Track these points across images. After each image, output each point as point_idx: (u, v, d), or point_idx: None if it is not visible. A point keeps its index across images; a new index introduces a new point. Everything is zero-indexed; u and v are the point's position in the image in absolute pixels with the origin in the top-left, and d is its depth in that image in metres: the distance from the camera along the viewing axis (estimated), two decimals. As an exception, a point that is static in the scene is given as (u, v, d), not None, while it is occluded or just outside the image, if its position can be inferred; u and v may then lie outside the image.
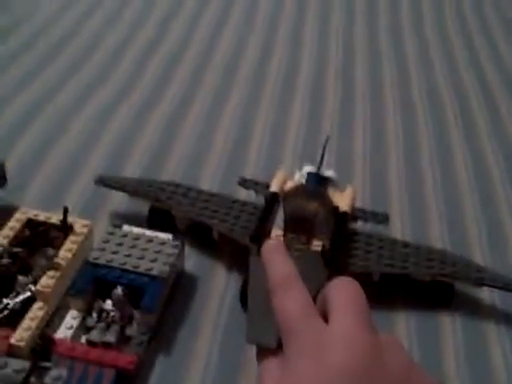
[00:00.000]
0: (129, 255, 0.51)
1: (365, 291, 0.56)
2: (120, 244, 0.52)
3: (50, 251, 0.53)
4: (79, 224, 0.56)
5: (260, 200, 0.62)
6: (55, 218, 0.56)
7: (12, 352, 0.44)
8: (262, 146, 0.77)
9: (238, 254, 0.58)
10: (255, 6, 1.16)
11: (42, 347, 0.38)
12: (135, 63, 0.93)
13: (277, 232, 0.55)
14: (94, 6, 1.09)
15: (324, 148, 0.63)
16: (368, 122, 0.84)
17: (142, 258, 0.51)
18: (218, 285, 0.56)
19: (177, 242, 0.54)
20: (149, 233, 0.54)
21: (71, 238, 0.54)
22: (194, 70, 0.93)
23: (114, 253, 0.51)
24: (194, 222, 0.59)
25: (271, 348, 0.46)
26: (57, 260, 0.51)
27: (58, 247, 0.53)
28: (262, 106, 0.86)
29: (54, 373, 0.37)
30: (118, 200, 0.64)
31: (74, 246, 0.53)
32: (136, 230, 0.55)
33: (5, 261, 0.51)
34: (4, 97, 0.81)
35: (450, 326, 0.55)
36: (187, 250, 0.58)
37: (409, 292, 0.58)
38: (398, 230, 0.65)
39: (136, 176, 0.68)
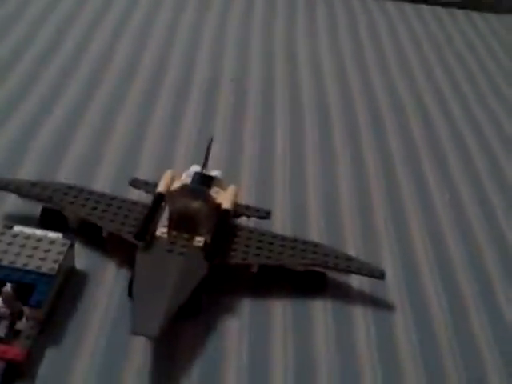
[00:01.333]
0: (19, 254, 0.54)
1: (244, 282, 0.62)
2: (10, 243, 0.55)
3: None
4: (-29, 226, 0.58)
5: (150, 199, 0.66)
6: None
7: None
8: (156, 147, 0.81)
9: (127, 252, 0.61)
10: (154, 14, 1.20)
11: None
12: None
13: (162, 230, 0.60)
14: None
15: (208, 148, 0.68)
16: (259, 124, 0.90)
17: (31, 256, 0.54)
18: (108, 280, 0.60)
19: (66, 241, 0.57)
20: (39, 232, 0.57)
21: (-37, 240, 0.56)
22: (92, 73, 0.95)
23: (4, 252, 0.54)
24: (84, 222, 0.63)
25: (154, 336, 0.50)
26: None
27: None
28: (157, 108, 0.89)
29: None
30: (12, 201, 0.67)
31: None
32: (27, 229, 0.58)
33: None
34: None
35: (321, 310, 0.61)
36: (78, 248, 0.62)
37: (285, 282, 0.63)
38: (280, 225, 0.71)
39: (31, 178, 0.70)
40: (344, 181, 0.81)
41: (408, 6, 1.43)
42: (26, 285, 0.52)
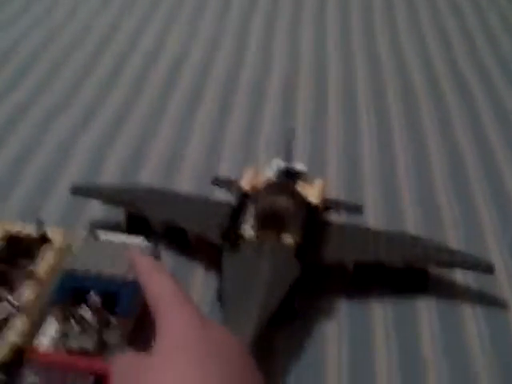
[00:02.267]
0: (103, 261, 0.52)
1: (339, 282, 0.58)
2: (95, 251, 0.53)
3: (29, 263, 0.54)
4: (56, 234, 0.56)
5: (235, 197, 0.63)
6: (32, 229, 0.57)
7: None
8: (236, 144, 0.78)
9: (215, 254, 0.58)
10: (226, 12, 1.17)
11: (17, 359, 0.39)
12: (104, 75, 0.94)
13: (248, 229, 0.56)
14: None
15: (289, 141, 0.64)
16: (341, 114, 0.85)
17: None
18: (196, 285, 0.57)
19: (151, 246, 0.54)
20: (123, 238, 0.55)
21: (48, 248, 0.55)
22: (168, 72, 0.93)
23: (89, 260, 0.52)
24: (169, 226, 0.60)
25: (247, 345, 0.47)
26: (36, 272, 0.52)
27: (36, 258, 0.54)
28: (234, 107, 0.86)
29: (28, 381, 0.38)
30: (96, 207, 0.65)
31: (52, 257, 0.54)
32: (111, 235, 0.56)
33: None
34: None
35: (425, 312, 0.56)
36: (165, 253, 0.59)
37: (384, 280, 0.59)
38: (373, 219, 0.66)
39: (114, 182, 0.69)
40: (438, 169, 0.75)
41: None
42: (111, 294, 0.50)
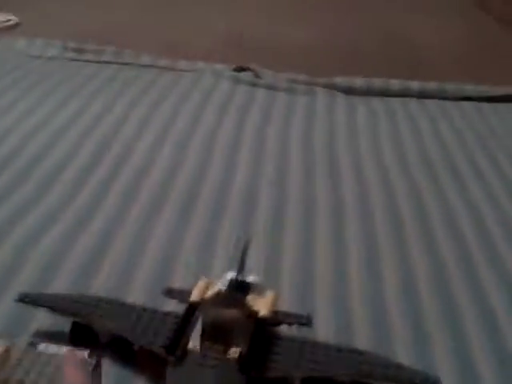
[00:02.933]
0: (41, 374, 0.51)
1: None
2: (33, 363, 0.52)
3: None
4: (-2, 345, 0.55)
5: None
6: (-28, 339, 0.56)
7: None
8: (193, 255, 0.78)
9: (160, 367, 0.57)
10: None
11: None
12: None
13: (194, 341, 0.56)
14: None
15: (244, 252, 0.65)
16: (298, 227, 0.87)
17: (54, 377, 0.51)
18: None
19: (92, 360, 0.53)
20: (64, 350, 0.54)
21: (-14, 359, 0.54)
22: (128, 188, 0.95)
23: (26, 373, 0.51)
24: (115, 336, 0.60)
25: None
26: (-30, 382, 0.51)
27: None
28: (193, 216, 0.88)
29: None
30: (43, 317, 0.64)
31: (-8, 367, 0.53)
32: (53, 348, 0.55)
33: None
34: None
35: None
36: (109, 365, 0.58)
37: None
38: (323, 332, 0.66)
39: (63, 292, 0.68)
40: (391, 285, 0.76)
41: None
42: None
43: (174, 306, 0.66)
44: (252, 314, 0.59)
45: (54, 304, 0.61)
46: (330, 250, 0.82)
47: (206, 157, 1.06)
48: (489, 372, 0.63)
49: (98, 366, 0.54)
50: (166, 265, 0.76)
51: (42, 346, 0.54)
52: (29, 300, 0.62)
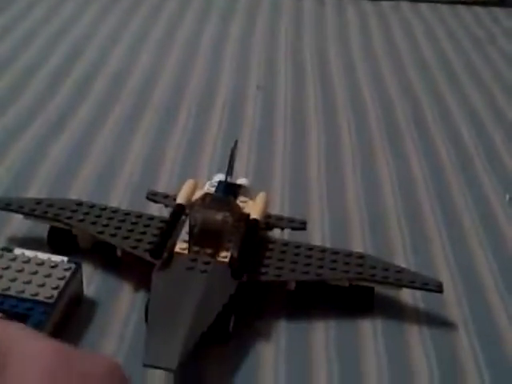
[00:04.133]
0: (14, 279, 0.47)
1: (280, 301, 0.54)
2: (7, 268, 0.48)
3: None
4: (-32, 250, 0.51)
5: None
6: None
7: None
8: (177, 159, 0.74)
9: (145, 273, 0.54)
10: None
11: None
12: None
13: (181, 245, 0.52)
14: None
15: (232, 153, 0.60)
16: (289, 128, 0.83)
17: (28, 282, 0.47)
18: (122, 307, 0.52)
19: (70, 265, 0.50)
20: (42, 255, 0.50)
21: (-42, 264, 0.50)
22: (112, 82, 0.90)
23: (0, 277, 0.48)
24: (97, 241, 0.56)
25: (173, 369, 0.42)
26: None
27: None
28: (179, 117, 0.83)
29: None
30: (18, 223, 0.60)
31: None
32: (28, 252, 0.51)
33: None
34: None
35: (370, 332, 0.53)
36: (90, 272, 0.55)
37: (327, 299, 0.55)
38: (318, 236, 0.63)
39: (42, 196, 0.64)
40: (387, 184, 0.72)
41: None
42: (20, 315, 0.44)
43: (159, 211, 0.62)
44: (243, 217, 0.55)
45: (29, 208, 0.57)
46: (323, 151, 0.78)
47: (188, 60, 1.00)
48: (490, 278, 0.60)
49: (77, 272, 0.50)
50: (149, 169, 0.72)
51: (18, 251, 0.51)
52: (2, 205, 0.57)
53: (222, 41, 1.09)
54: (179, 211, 0.54)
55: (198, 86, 0.92)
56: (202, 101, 0.88)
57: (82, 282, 0.51)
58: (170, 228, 0.52)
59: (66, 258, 0.51)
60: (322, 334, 0.52)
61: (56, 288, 0.47)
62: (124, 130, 0.79)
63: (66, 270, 0.49)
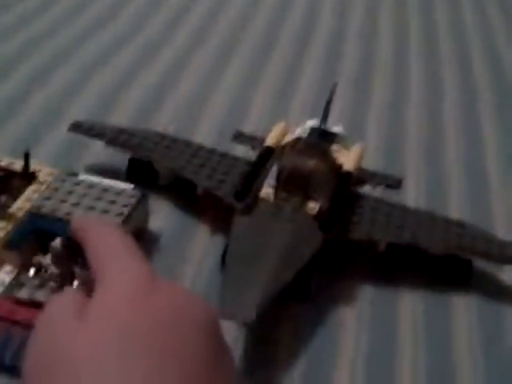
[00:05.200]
0: (77, 204, 0.45)
1: (367, 263, 0.50)
2: (70, 192, 0.46)
3: (6, 199, 0.46)
4: (44, 172, 0.49)
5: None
6: (19, 164, 0.49)
7: None
8: (268, 100, 0.70)
9: (225, 216, 0.50)
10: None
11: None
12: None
13: (267, 190, 0.48)
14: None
15: (330, 97, 0.55)
16: (389, 76, 0.77)
17: (92, 207, 0.45)
18: (199, 248, 0.49)
19: (135, 193, 0.47)
20: (107, 181, 0.48)
21: (32, 187, 0.48)
22: (202, 21, 0.86)
23: (62, 201, 0.45)
24: (177, 177, 0.52)
25: (249, 323, 0.39)
26: (12, 210, 0.45)
27: (16, 196, 0.47)
28: (273, 61, 0.78)
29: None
30: (98, 150, 0.57)
31: (35, 196, 0.47)
32: (93, 178, 0.48)
33: (-47, 206, 0.45)
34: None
35: (463, 310, 0.47)
36: (166, 210, 0.52)
37: (419, 267, 0.50)
38: (413, 197, 0.58)
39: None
40: (492, 148, 0.66)
41: None
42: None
43: (245, 153, 0.58)
44: (335, 167, 0.50)
45: (111, 136, 0.54)
46: (423, 107, 0.72)
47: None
48: None
49: (143, 201, 0.47)
50: (237, 110, 0.68)
51: (84, 176, 0.48)
52: (83, 130, 0.55)
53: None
54: (267, 154, 0.50)
55: (294, 27, 0.87)
56: (297, 43, 0.83)
57: (147, 214, 0.49)
58: (256, 170, 0.48)
59: (131, 186, 0.48)
60: (409, 303, 0.47)
61: (120, 215, 0.45)
62: (215, 67, 0.75)
63: (131, 197, 0.46)
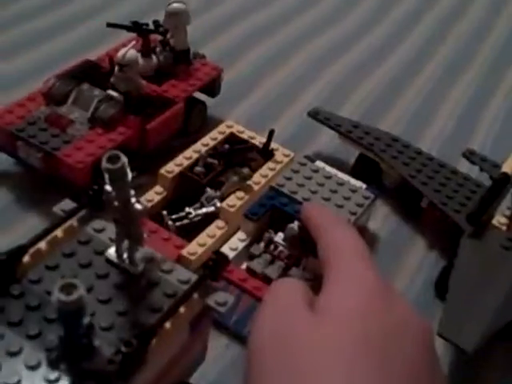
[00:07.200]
0: (315, 192, 0.46)
1: None
2: (309, 178, 0.47)
3: (246, 172, 0.48)
4: (281, 152, 0.51)
5: (483, 178, 0.53)
6: (259, 139, 0.52)
7: (180, 264, 0.41)
8: (495, 121, 0.67)
9: (444, 232, 0.50)
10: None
11: (215, 265, 0.33)
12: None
13: (500, 219, 0.47)
14: None
15: None
16: None
17: (327, 199, 0.46)
18: (411, 259, 0.49)
19: (370, 194, 0.47)
20: (341, 175, 0.49)
21: (270, 164, 0.50)
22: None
23: (300, 185, 0.47)
24: (403, 183, 0.52)
25: (466, 352, 0.38)
26: (249, 182, 0.47)
27: (254, 170, 0.49)
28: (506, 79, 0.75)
29: (220, 297, 0.32)
30: (327, 139, 0.59)
31: (271, 173, 0.49)
32: (329, 168, 0.49)
33: (198, 169, 0.48)
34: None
35: None
36: (388, 211, 0.52)
37: None
38: None
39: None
40: None
41: None
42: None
43: (468, 171, 0.56)
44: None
45: (346, 129, 0.55)
46: None
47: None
48: None
49: (372, 204, 0.47)
50: (465, 124, 0.65)
51: (320, 164, 0.49)
52: (320, 118, 0.56)
53: None
54: (504, 181, 0.49)
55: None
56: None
57: (370, 213, 0.49)
58: (492, 197, 0.47)
59: (364, 186, 0.48)
60: None
61: (354, 214, 0.45)
62: (446, 79, 0.73)
63: (365, 198, 0.47)
